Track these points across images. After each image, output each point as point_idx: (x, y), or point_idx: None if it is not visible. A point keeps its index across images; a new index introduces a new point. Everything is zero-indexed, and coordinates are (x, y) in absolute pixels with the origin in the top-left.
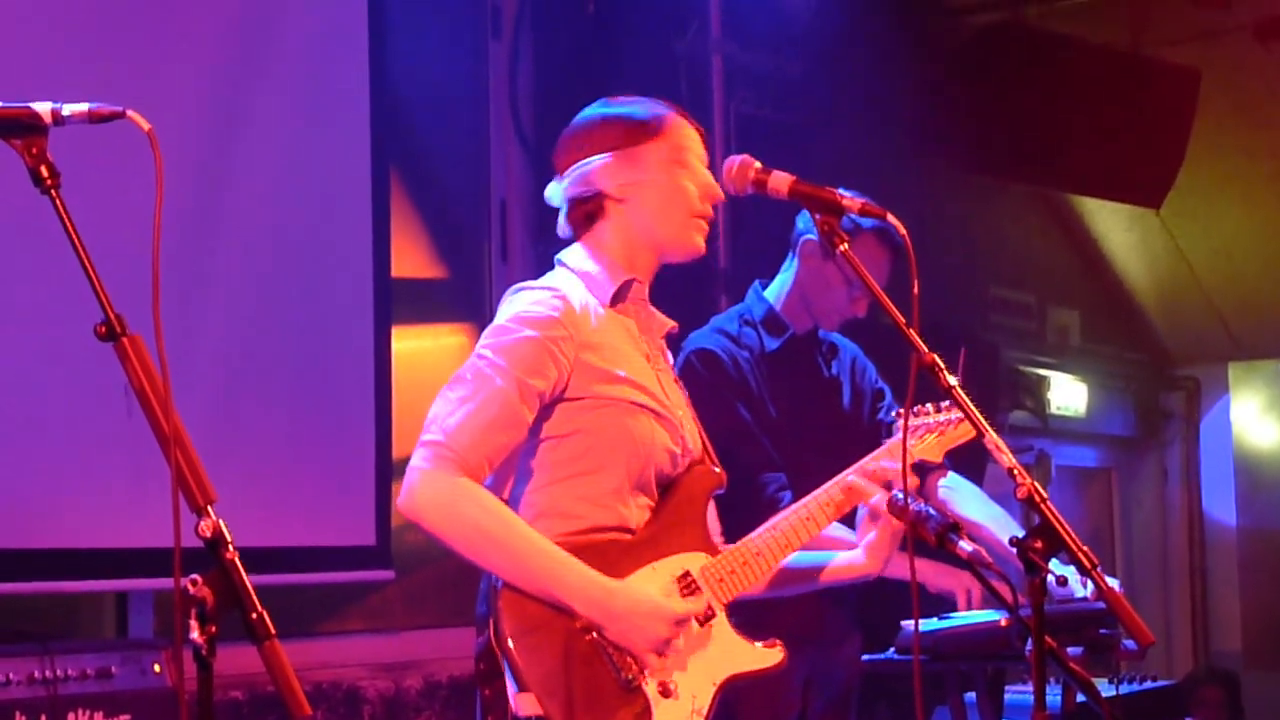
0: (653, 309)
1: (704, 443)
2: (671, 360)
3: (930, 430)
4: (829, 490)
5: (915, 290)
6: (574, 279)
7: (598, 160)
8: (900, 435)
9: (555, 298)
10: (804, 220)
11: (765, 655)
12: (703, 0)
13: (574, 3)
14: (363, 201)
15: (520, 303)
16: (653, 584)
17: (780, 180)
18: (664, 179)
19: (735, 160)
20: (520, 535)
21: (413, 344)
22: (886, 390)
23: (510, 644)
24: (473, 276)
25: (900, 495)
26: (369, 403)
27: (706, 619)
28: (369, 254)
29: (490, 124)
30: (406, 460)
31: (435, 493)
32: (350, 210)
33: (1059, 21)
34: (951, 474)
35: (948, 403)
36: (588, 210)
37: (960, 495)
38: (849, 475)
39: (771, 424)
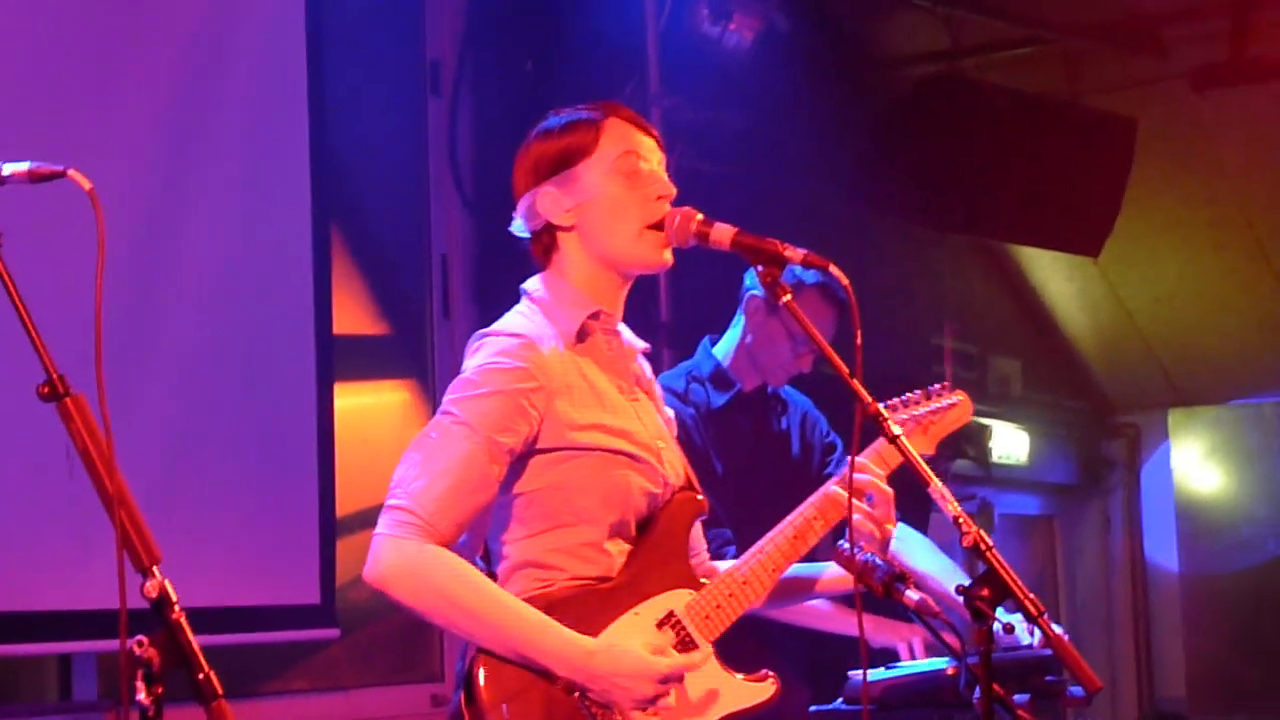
0: (623, 333)
1: (685, 469)
2: (650, 374)
3: (919, 424)
4: (813, 505)
5: (858, 340)
6: (538, 316)
7: (540, 191)
8: (878, 442)
9: (523, 346)
10: (750, 278)
11: (757, 690)
12: (640, 54)
13: (512, 60)
14: (304, 259)
15: (486, 353)
16: (636, 634)
17: (722, 232)
18: (605, 194)
19: (677, 213)
20: (492, 600)
21: (356, 401)
22: (838, 442)
23: (489, 714)
24: (415, 333)
25: (847, 546)
26: (312, 460)
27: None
28: (310, 311)
29: (430, 181)
30: (350, 518)
31: (402, 562)
32: (292, 268)
33: (996, 73)
34: (900, 524)
35: (937, 386)
36: (543, 244)
37: (908, 545)
38: (830, 486)
39: (716, 480)
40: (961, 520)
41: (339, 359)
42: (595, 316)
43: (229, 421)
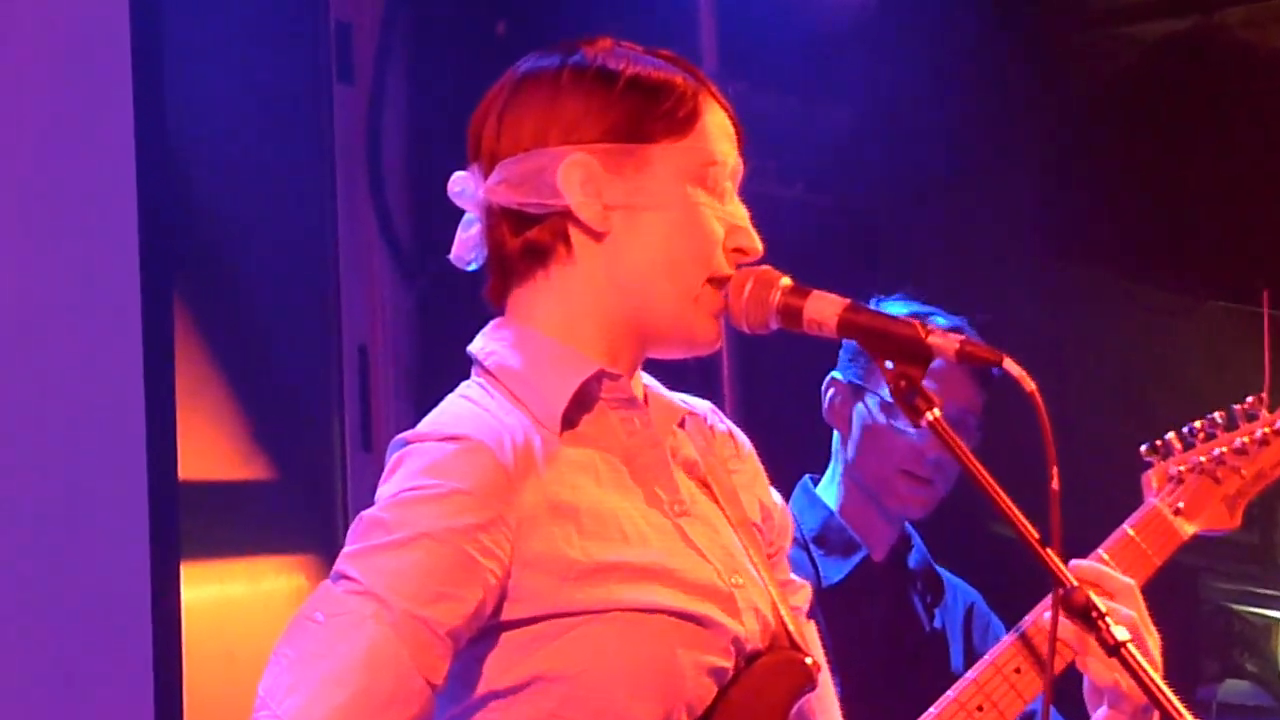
0: (654, 393)
1: (784, 612)
2: (719, 431)
3: (1207, 476)
4: (1007, 648)
5: (1054, 483)
6: (495, 394)
7: (572, 156)
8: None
9: (463, 453)
10: (847, 366)
11: None
12: (687, 12)
13: (470, 20)
14: (127, 354)
15: (405, 474)
16: None
17: (823, 308)
18: (677, 211)
19: (750, 275)
20: None
21: (217, 591)
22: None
23: None
24: (316, 474)
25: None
26: (144, 687)
27: None
28: (139, 442)
29: (338, 223)
30: None
31: None
32: (108, 373)
33: (1275, 28)
34: None
35: (1250, 400)
36: (537, 241)
37: None
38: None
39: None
40: None
41: (188, 523)
42: (597, 379)
43: (11, 629)
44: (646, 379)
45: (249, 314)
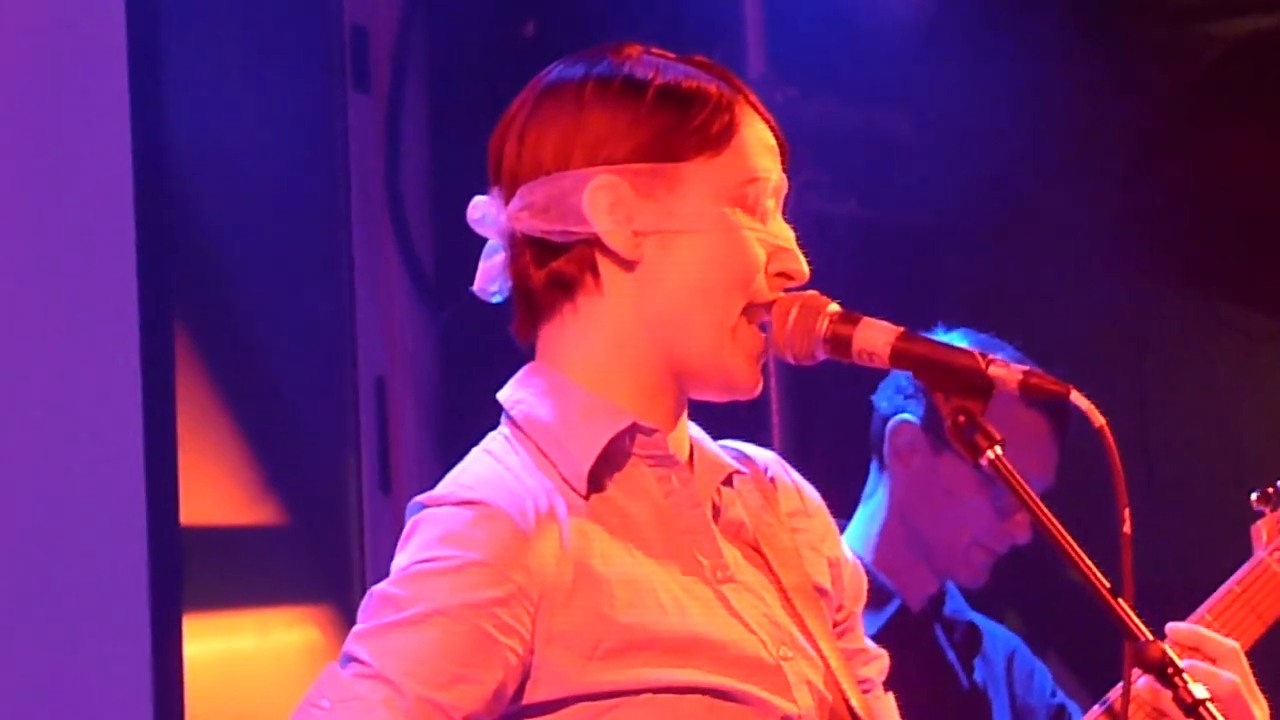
0: (695, 445)
1: (844, 685)
2: (786, 485)
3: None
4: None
5: (1126, 527)
6: (519, 451)
7: (599, 179)
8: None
9: (480, 520)
10: (890, 396)
11: None
12: (734, 17)
13: (496, 21)
14: (125, 388)
15: (419, 543)
16: None
17: (875, 336)
18: (717, 229)
19: (795, 301)
20: None
21: (223, 645)
22: (1071, 710)
23: None
24: (331, 518)
25: None
26: None
27: None
28: (139, 484)
29: (353, 245)
30: None
31: None
32: (103, 409)
33: None
34: None
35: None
36: (562, 272)
37: None
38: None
39: None
40: None
41: (191, 572)
42: (630, 434)
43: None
44: (694, 430)
45: (256, 344)
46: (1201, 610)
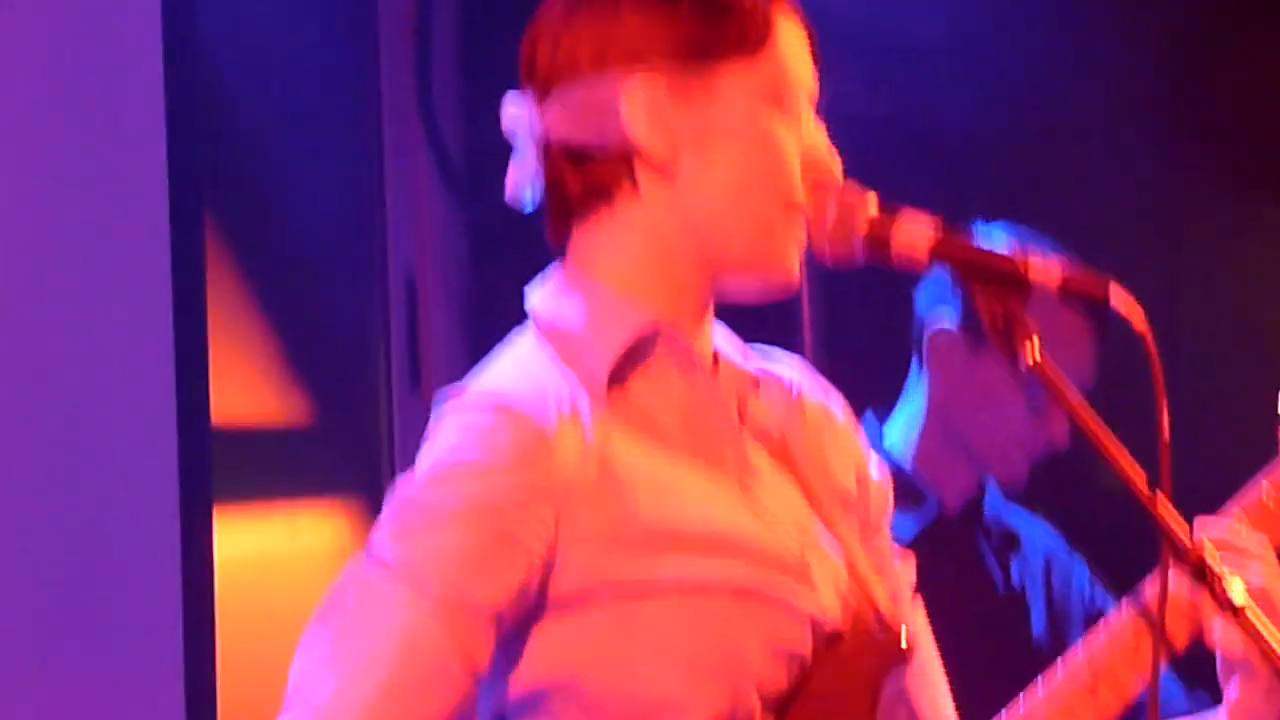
0: (722, 352)
1: (871, 586)
2: (812, 394)
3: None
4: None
5: (1165, 431)
6: (543, 353)
7: (634, 82)
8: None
9: (503, 422)
10: (928, 296)
11: None
12: None
13: None
14: (155, 288)
15: (444, 442)
16: None
17: (914, 232)
18: (754, 132)
19: (830, 199)
20: None
21: (254, 540)
22: (1108, 605)
23: None
24: (361, 416)
25: None
26: (175, 647)
27: None
28: (169, 383)
29: (384, 133)
30: None
31: None
32: (132, 308)
33: None
34: None
35: None
36: (599, 180)
37: None
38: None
39: None
40: None
41: (221, 466)
42: (653, 334)
43: (28, 588)
44: (720, 333)
45: (285, 241)
46: (1230, 505)
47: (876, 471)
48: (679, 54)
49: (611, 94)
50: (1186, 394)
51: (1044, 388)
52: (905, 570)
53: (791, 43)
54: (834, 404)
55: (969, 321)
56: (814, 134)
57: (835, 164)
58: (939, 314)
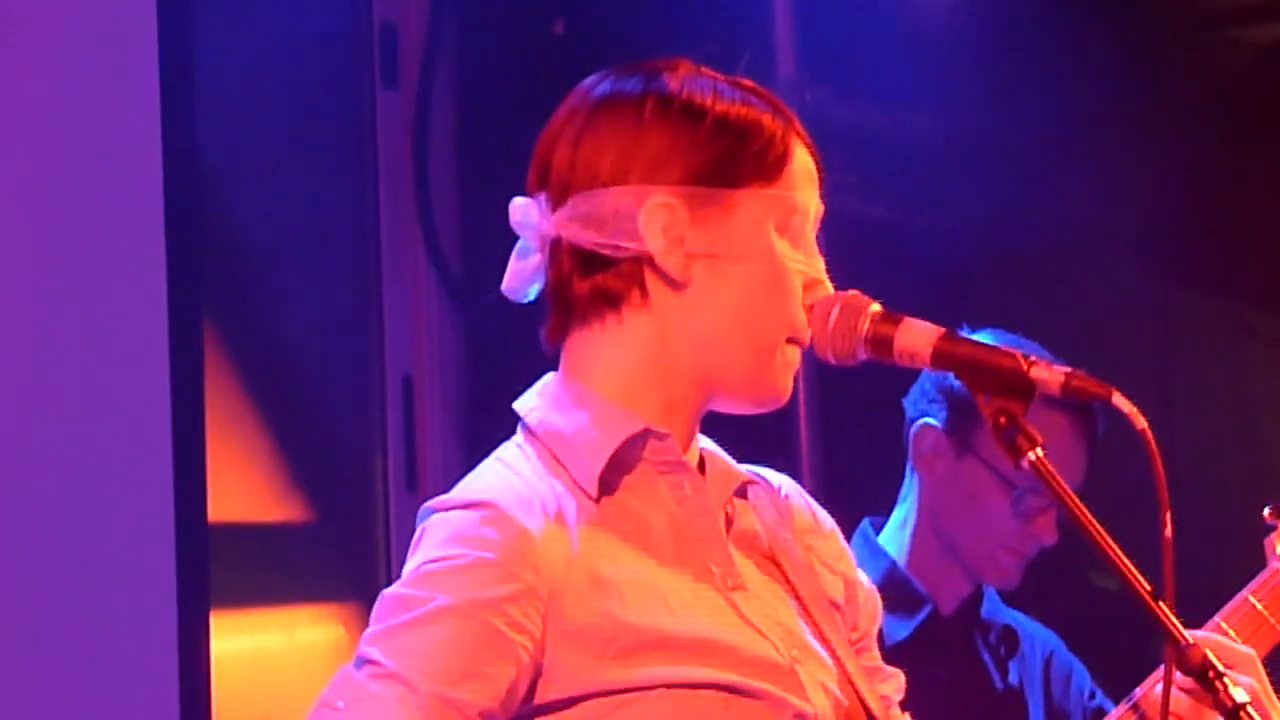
0: (707, 456)
1: (860, 689)
2: (791, 503)
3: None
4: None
5: (1168, 531)
6: (531, 458)
7: (656, 199)
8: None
9: (489, 521)
10: (915, 400)
11: None
12: (763, 20)
13: (525, 20)
14: (153, 386)
15: (430, 545)
16: None
17: (917, 336)
18: (766, 256)
19: (838, 301)
20: None
21: (249, 643)
22: (1109, 712)
23: None
24: (357, 516)
25: None
26: None
27: None
28: (167, 482)
29: (381, 239)
30: None
31: None
32: (132, 406)
33: None
34: None
35: None
36: (610, 286)
37: None
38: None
39: None
40: None
41: (218, 569)
42: (642, 439)
43: (26, 685)
44: (707, 443)
45: (285, 341)
46: (1217, 618)
47: (864, 578)
48: (699, 177)
49: (631, 207)
50: (1178, 501)
51: (1042, 487)
52: (894, 683)
53: (802, 171)
54: (820, 512)
55: (954, 425)
56: (817, 262)
57: (826, 280)
58: (927, 417)
